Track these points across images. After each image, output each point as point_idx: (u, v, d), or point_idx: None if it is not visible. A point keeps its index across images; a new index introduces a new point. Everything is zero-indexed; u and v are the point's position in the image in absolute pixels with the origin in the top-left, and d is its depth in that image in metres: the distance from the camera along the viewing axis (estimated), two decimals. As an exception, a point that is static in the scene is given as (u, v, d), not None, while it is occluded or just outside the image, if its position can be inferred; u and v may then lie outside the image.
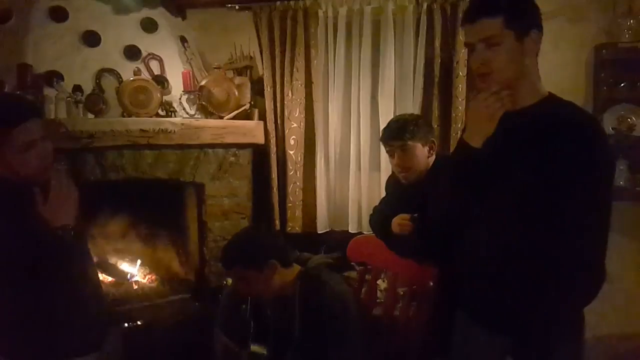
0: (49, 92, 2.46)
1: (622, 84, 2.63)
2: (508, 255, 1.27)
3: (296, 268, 1.82)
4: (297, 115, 2.94)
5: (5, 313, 1.39)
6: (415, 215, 1.83)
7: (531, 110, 1.27)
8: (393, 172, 2.27)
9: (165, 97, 2.73)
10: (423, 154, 1.96)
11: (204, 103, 2.79)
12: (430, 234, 1.70)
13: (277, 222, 3.00)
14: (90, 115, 2.55)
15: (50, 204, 1.33)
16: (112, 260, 3.07)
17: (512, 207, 1.25)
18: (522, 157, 1.23)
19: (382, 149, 2.87)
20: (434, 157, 2.00)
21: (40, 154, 1.36)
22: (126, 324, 2.52)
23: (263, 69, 2.98)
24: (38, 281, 1.35)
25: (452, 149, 2.05)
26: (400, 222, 1.89)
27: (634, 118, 2.63)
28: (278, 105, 2.97)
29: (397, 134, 1.95)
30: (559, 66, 2.76)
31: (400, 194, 2.05)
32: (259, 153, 2.97)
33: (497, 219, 1.29)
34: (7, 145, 1.30)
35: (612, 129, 2.65)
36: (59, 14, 2.64)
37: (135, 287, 2.94)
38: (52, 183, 1.35)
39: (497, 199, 1.28)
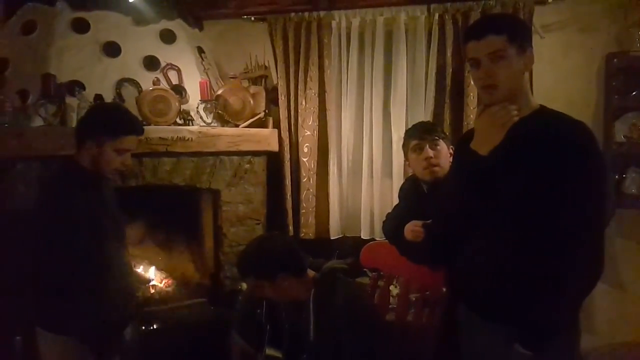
0: (71, 101, 2.51)
1: (633, 93, 2.65)
2: (512, 250, 1.35)
3: (310, 273, 1.86)
4: (310, 123, 2.99)
5: (51, 283, 1.66)
6: (429, 222, 1.85)
7: (528, 120, 1.37)
8: (408, 178, 2.31)
9: (183, 106, 2.78)
10: (447, 155, 2.03)
11: (220, 112, 2.85)
12: (441, 239, 1.73)
13: (291, 228, 3.04)
14: (111, 124, 2.62)
15: None
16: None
17: (516, 207, 1.34)
18: (524, 162, 1.32)
19: (394, 156, 2.92)
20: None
21: (124, 161, 1.81)
22: (143, 327, 2.57)
23: (278, 78, 3.04)
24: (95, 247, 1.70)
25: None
26: (413, 229, 1.91)
27: (645, 126, 2.64)
28: (292, 113, 3.02)
29: (430, 128, 2.11)
30: (570, 75, 2.79)
31: (417, 199, 2.08)
32: (273, 160, 3.01)
33: (501, 218, 1.37)
34: (110, 147, 1.75)
35: (624, 137, 2.66)
36: (81, 26, 2.71)
37: (152, 291, 2.98)
38: None
39: (501, 200, 1.37)
